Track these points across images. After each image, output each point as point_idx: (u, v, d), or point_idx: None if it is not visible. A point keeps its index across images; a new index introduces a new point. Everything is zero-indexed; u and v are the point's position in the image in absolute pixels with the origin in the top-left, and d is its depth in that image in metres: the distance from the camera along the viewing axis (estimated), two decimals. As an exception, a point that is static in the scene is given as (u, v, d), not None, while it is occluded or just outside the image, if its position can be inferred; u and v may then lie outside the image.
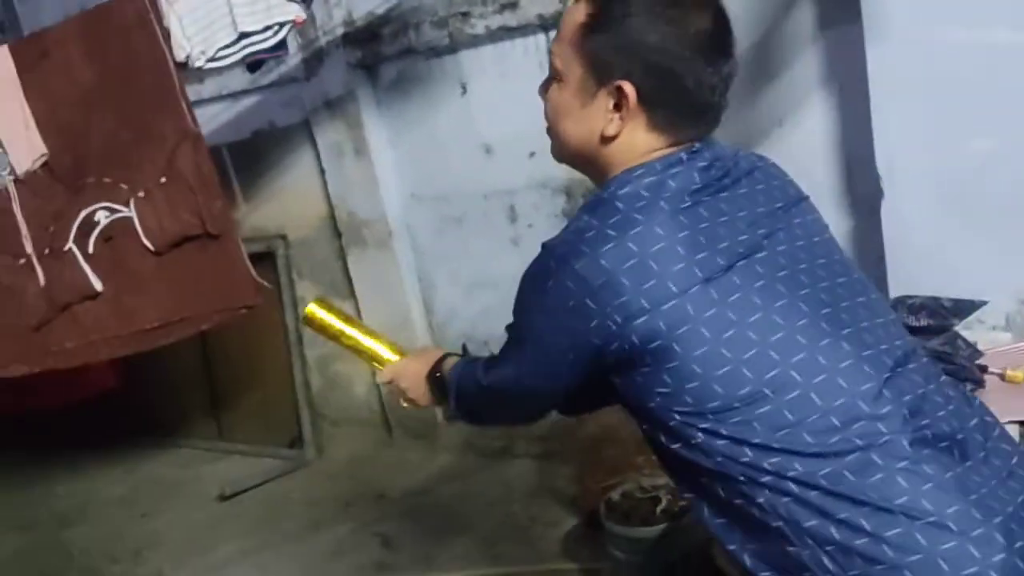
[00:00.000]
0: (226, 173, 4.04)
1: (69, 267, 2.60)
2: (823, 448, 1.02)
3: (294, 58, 3.58)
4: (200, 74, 3.67)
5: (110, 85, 2.49)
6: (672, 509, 2.47)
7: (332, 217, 3.83)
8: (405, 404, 1.67)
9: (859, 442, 1.02)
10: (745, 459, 1.05)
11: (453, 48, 3.25)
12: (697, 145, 1.18)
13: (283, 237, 4.07)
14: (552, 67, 1.25)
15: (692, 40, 1.14)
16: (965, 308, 2.28)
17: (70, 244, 2.58)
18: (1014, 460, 1.11)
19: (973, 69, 2.16)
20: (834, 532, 1.01)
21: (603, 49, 1.17)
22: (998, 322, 2.35)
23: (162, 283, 2.58)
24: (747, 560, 1.11)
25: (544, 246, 1.17)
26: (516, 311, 1.24)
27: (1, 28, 4.52)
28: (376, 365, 1.71)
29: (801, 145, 2.65)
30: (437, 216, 3.56)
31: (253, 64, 2.61)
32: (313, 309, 1.74)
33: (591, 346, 1.11)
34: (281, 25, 2.37)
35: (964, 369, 2.13)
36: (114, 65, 2.47)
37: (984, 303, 2.28)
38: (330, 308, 1.75)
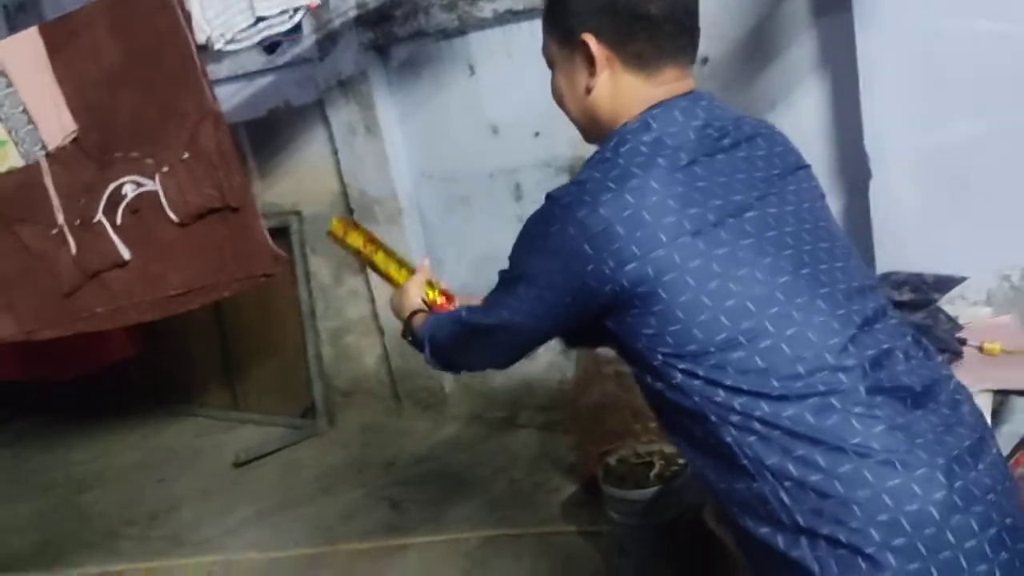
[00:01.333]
0: (243, 150, 4.17)
1: (99, 237, 2.74)
2: (788, 392, 1.12)
3: (308, 39, 3.69)
4: (218, 54, 3.78)
5: (135, 65, 2.61)
6: (665, 473, 2.59)
7: (345, 194, 3.95)
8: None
9: (821, 388, 1.12)
10: (718, 399, 1.15)
11: (462, 30, 3.35)
12: (688, 98, 1.26)
13: (297, 213, 4.19)
14: (547, 63, 1.39)
15: None
16: (946, 284, 2.38)
17: (99, 216, 2.73)
18: (964, 410, 1.22)
19: (957, 56, 2.27)
20: (792, 468, 1.11)
21: (561, 19, 1.31)
22: (979, 297, 2.45)
23: (186, 252, 2.71)
24: (719, 496, 1.22)
25: (549, 195, 1.24)
26: (515, 253, 1.31)
27: (22, 7, 4.63)
28: (390, 283, 1.85)
29: (794, 127, 2.68)
30: (445, 194, 3.68)
31: (270, 46, 2.72)
32: (336, 225, 1.85)
33: (585, 288, 1.19)
34: (296, 9, 2.49)
35: (943, 341, 2.24)
36: (139, 46, 2.59)
37: (964, 279, 2.39)
38: (353, 226, 1.87)
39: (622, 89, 1.28)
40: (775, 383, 1.13)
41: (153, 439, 4.59)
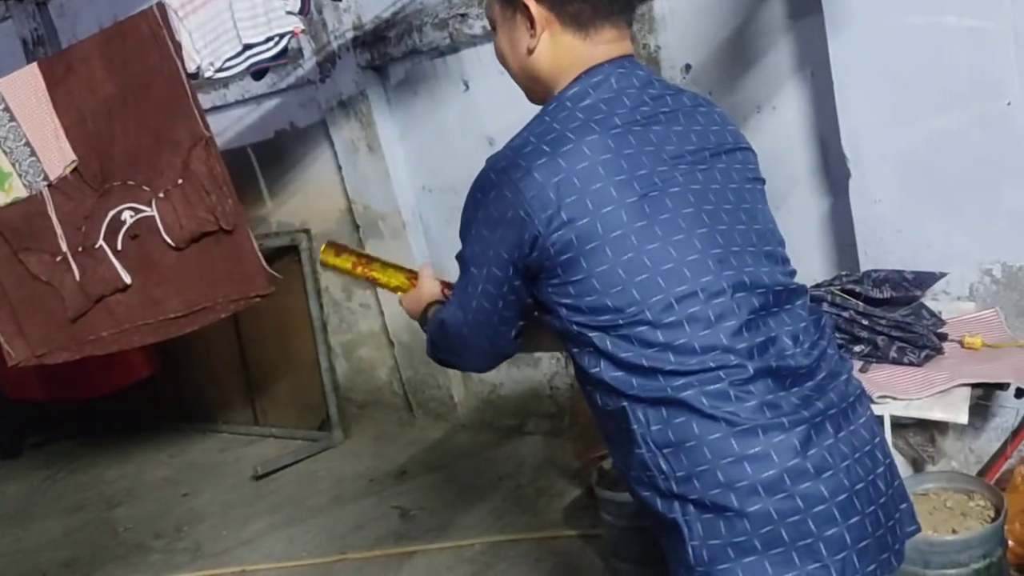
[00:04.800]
0: (252, 172, 4.30)
1: (101, 263, 2.86)
2: (681, 367, 1.17)
3: (309, 61, 3.80)
4: (225, 80, 3.91)
5: (130, 95, 2.72)
6: (657, 475, 2.61)
7: (350, 211, 4.04)
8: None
9: (712, 364, 1.17)
10: (617, 370, 1.21)
11: (455, 48, 3.42)
12: (626, 67, 1.29)
13: (306, 231, 4.29)
14: (490, 25, 1.42)
15: None
16: (926, 280, 2.39)
17: (100, 242, 2.84)
18: (841, 379, 1.27)
19: (927, 53, 2.28)
20: (671, 436, 1.18)
21: None
22: (962, 292, 2.45)
23: (184, 275, 2.81)
24: (617, 459, 1.29)
25: (487, 161, 1.26)
26: (463, 231, 1.30)
27: (41, 41, 4.81)
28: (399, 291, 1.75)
29: (778, 129, 2.78)
30: (446, 206, 3.74)
31: (257, 72, 2.81)
32: (324, 251, 1.79)
33: (523, 256, 1.22)
34: (281, 36, 2.57)
35: (922, 337, 2.25)
36: (132, 77, 2.70)
37: (944, 275, 2.39)
38: (340, 248, 1.80)
39: (561, 49, 1.30)
40: (672, 358, 1.18)
41: (180, 456, 4.71)
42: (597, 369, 1.22)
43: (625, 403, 1.21)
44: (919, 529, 1.34)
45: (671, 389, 1.18)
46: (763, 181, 1.38)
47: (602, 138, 1.20)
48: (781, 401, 1.19)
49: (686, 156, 1.25)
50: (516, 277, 1.26)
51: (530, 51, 1.32)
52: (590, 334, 1.21)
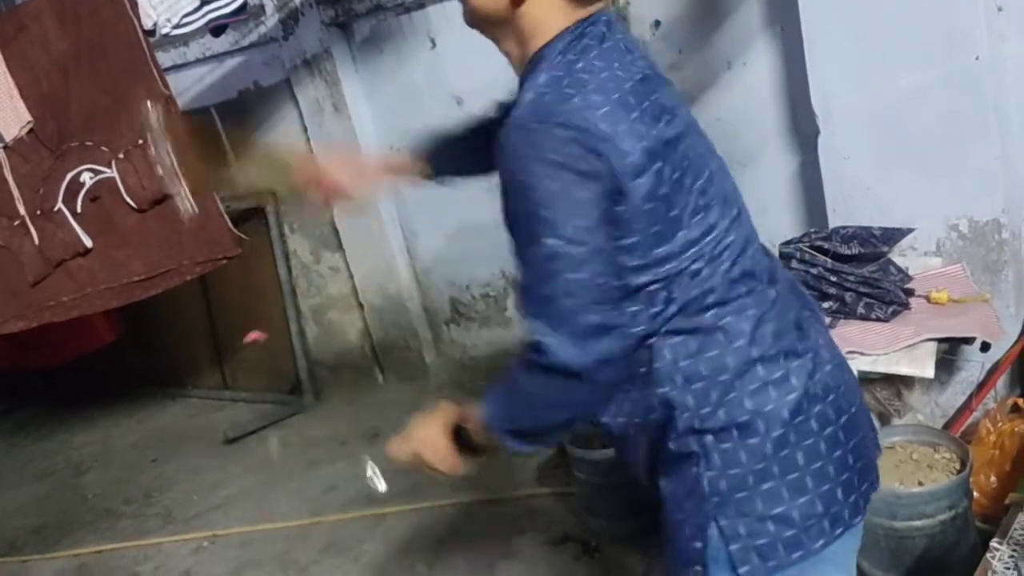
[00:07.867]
0: (216, 133, 4.20)
1: (60, 226, 2.79)
2: (721, 299, 1.19)
3: (272, 18, 3.70)
4: (185, 37, 3.81)
5: (85, 54, 2.64)
6: (628, 433, 2.63)
7: (317, 172, 3.96)
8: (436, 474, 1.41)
9: (744, 290, 1.21)
10: (653, 310, 1.18)
11: (420, 3, 3.35)
12: (604, 21, 1.20)
13: (273, 193, 4.20)
14: None
15: None
16: (894, 236, 2.39)
17: (59, 204, 2.77)
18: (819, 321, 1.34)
19: (896, 7, 2.26)
20: (703, 369, 1.18)
21: None
22: (930, 248, 2.47)
23: (146, 238, 2.76)
24: (626, 406, 1.24)
25: (536, 121, 1.10)
26: (544, 210, 1.09)
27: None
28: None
29: (748, 86, 2.75)
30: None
31: (216, 29, 2.74)
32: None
33: (614, 212, 1.13)
34: (241, -10, 2.51)
35: (889, 293, 2.26)
36: (87, 35, 2.61)
37: (911, 230, 2.40)
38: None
39: None
40: (716, 290, 1.19)
41: (149, 421, 4.67)
42: (642, 327, 1.19)
43: (653, 338, 1.19)
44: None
45: (706, 320, 1.18)
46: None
47: (634, 86, 1.16)
48: (791, 328, 1.23)
49: (675, 111, 1.22)
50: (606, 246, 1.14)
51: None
52: (650, 287, 1.17)
